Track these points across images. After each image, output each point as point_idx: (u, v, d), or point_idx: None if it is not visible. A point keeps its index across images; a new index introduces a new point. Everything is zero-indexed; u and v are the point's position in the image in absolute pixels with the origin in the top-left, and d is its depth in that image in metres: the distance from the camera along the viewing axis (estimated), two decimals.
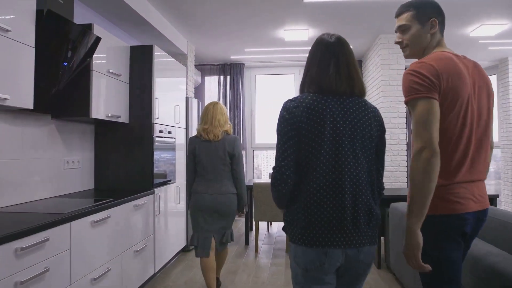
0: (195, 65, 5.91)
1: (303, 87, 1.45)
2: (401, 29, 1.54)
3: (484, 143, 1.44)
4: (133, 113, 3.34)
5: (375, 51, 5.21)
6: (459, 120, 1.36)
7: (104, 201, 2.49)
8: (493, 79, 6.53)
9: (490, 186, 6.84)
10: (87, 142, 3.27)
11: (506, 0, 3.78)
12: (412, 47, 1.52)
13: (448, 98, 1.34)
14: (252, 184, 4.44)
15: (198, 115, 4.90)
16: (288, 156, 1.33)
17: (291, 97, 1.42)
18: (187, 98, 4.45)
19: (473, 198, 1.40)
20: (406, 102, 1.38)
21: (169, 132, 3.73)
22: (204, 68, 6.59)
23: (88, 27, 2.65)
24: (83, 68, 2.66)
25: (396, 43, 1.57)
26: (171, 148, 3.82)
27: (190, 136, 4.34)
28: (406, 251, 1.35)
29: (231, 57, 6.16)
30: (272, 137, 7.20)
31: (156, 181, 3.37)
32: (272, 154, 8.04)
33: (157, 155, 3.40)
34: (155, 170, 3.35)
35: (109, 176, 3.33)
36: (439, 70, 1.33)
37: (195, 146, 2.87)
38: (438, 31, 1.49)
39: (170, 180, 3.74)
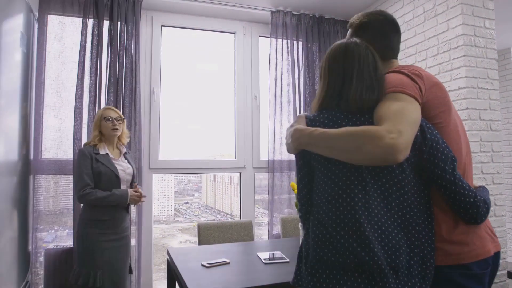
0: None
1: None
2: None
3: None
4: None
5: None
6: (460, 139, 1.17)
7: None
8: None
9: None
10: None
11: None
12: None
13: (438, 111, 1.14)
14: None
15: (30, 74, 1.57)
16: None
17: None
18: None
19: (489, 238, 1.13)
20: (390, 91, 1.09)
21: None
22: None
23: None
24: None
25: None
26: None
27: None
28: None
29: None
30: (194, 151, 3.81)
31: None
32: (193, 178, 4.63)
33: None
34: None
35: None
36: (425, 82, 1.14)
37: None
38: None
39: None
